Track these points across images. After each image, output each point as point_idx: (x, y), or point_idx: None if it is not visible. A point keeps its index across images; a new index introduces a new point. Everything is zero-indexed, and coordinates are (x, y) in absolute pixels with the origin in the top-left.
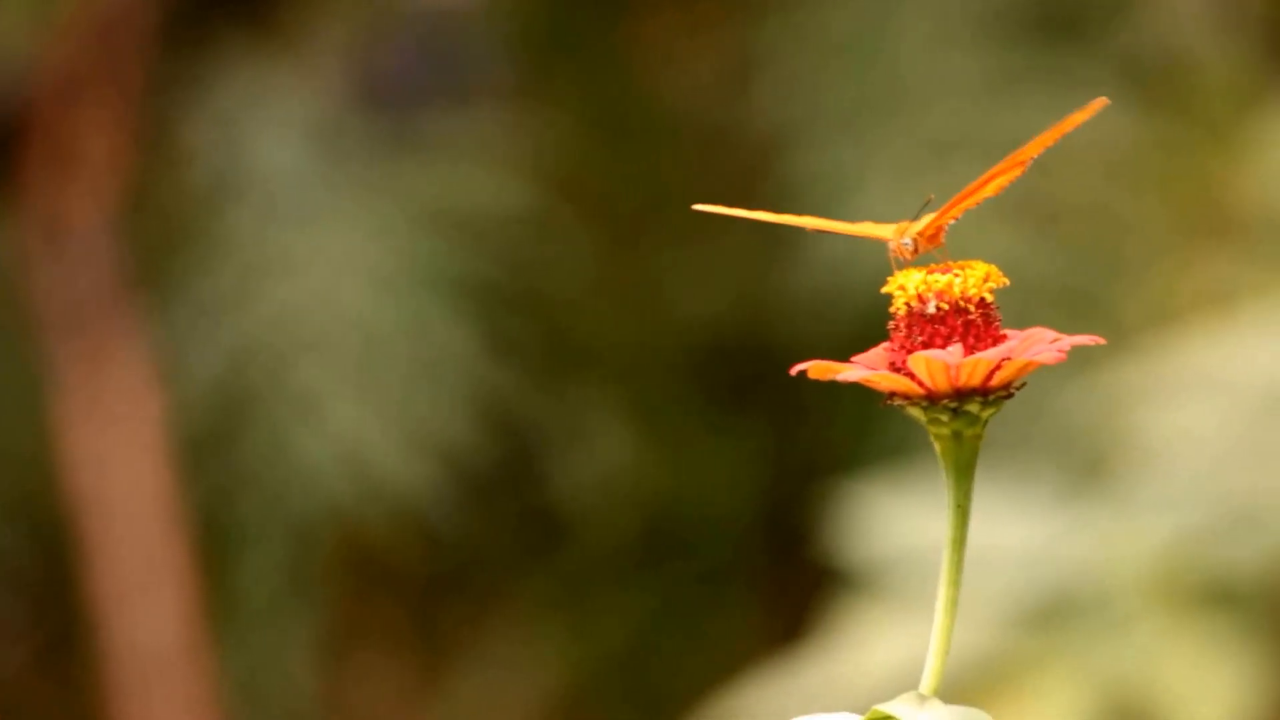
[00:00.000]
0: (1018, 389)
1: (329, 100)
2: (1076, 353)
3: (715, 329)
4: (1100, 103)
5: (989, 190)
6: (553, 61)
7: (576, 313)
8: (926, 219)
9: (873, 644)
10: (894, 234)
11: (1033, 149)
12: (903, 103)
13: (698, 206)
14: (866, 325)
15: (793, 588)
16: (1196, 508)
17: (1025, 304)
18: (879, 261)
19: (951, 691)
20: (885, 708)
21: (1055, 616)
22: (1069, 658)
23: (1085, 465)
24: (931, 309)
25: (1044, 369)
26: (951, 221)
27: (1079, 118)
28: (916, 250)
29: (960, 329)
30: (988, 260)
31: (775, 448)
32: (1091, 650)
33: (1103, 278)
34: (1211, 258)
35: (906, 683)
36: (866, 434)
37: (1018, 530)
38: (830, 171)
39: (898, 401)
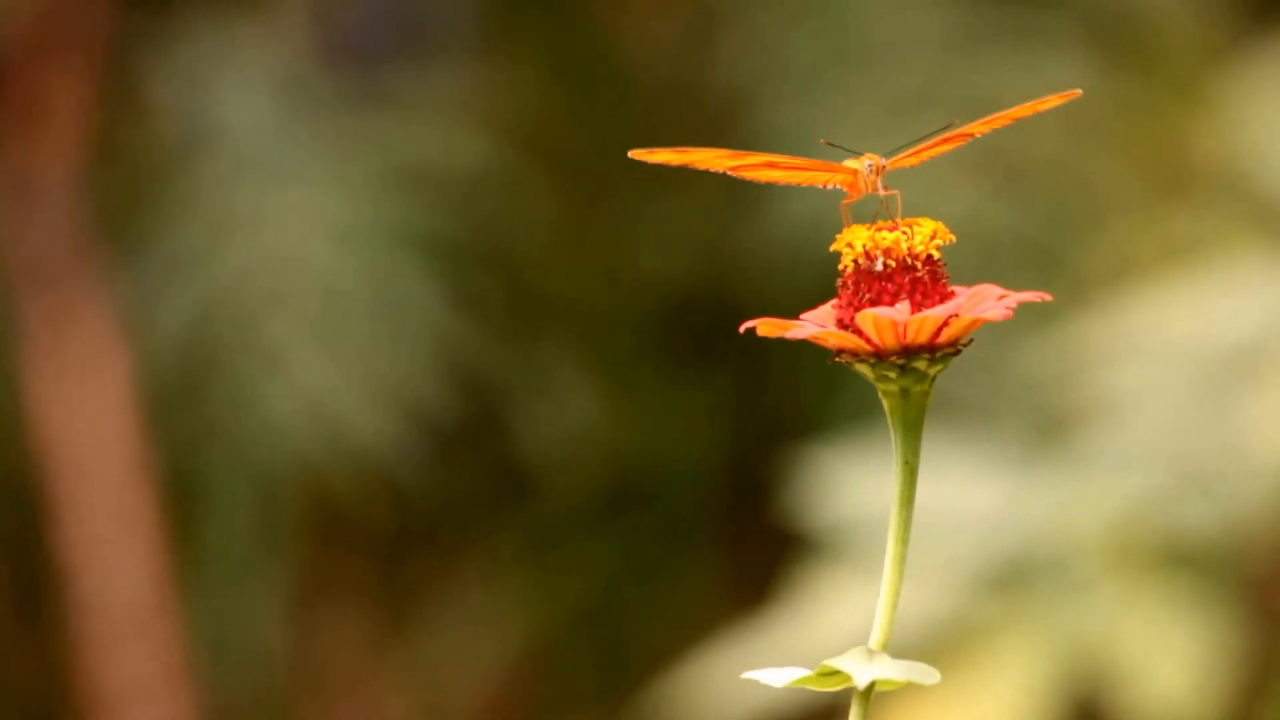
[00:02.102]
0: (965, 346)
1: (295, 56)
2: (1038, 310)
3: (680, 285)
4: (1074, 93)
5: (940, 149)
6: (518, 18)
7: (541, 268)
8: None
9: (833, 605)
10: (865, 164)
11: (999, 121)
12: (867, 59)
13: (634, 152)
14: (831, 281)
15: (756, 541)
16: (1155, 469)
17: (988, 260)
18: (840, 217)
19: (912, 653)
20: (834, 663)
21: (1015, 579)
22: (1029, 620)
23: (1045, 424)
24: (879, 266)
25: (1006, 326)
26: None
27: (1051, 101)
28: (877, 177)
29: (908, 286)
30: (950, 217)
31: (739, 403)
32: (1051, 612)
33: (1065, 233)
34: (1174, 213)
35: (865, 642)
36: (830, 390)
37: (978, 493)
38: (795, 127)
39: (846, 358)
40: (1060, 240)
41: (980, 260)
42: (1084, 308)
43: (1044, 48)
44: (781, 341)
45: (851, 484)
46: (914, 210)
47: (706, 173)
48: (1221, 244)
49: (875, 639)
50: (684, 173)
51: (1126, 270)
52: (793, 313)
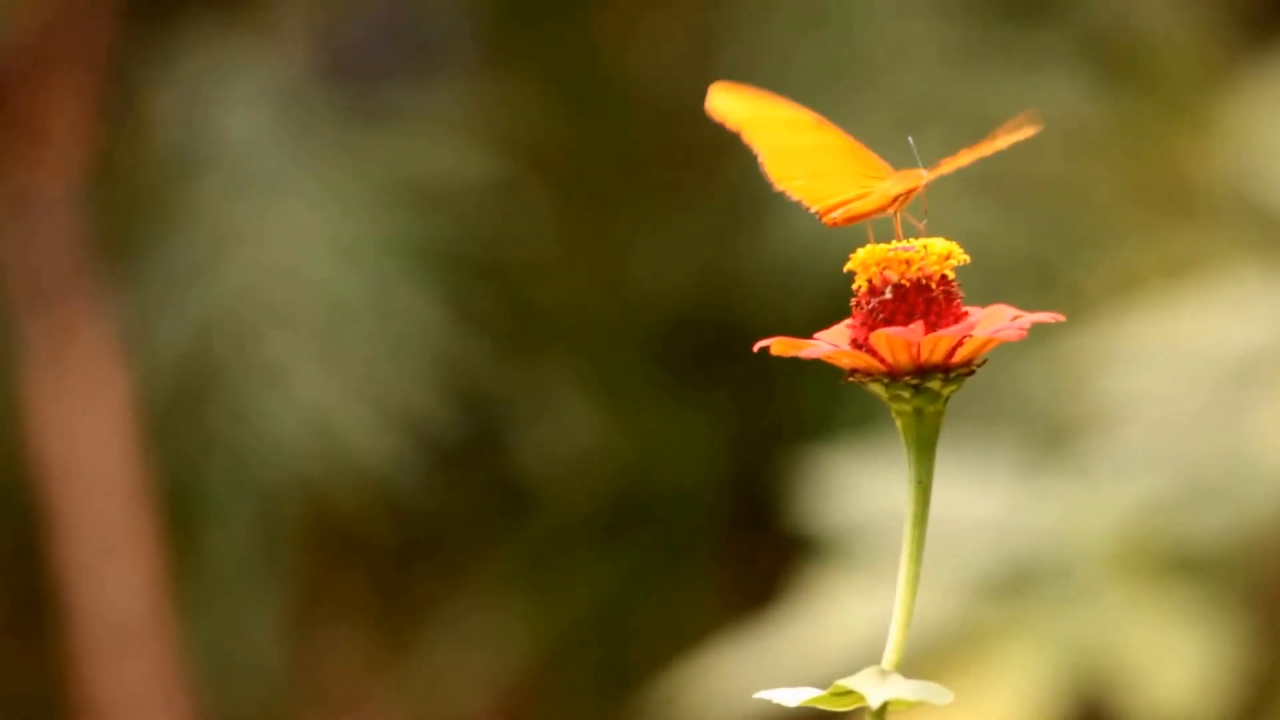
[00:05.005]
0: (979, 366)
1: (295, 72)
2: (1039, 325)
3: (682, 302)
4: (1029, 129)
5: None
6: (518, 32)
7: (543, 284)
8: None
9: (839, 611)
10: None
11: (954, 164)
12: (868, 74)
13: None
14: (833, 301)
15: (758, 558)
16: (1159, 477)
17: (989, 279)
18: (846, 237)
19: (918, 661)
20: (847, 683)
21: (1020, 586)
22: (1034, 627)
23: (1048, 435)
24: (893, 286)
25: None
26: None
27: (1003, 141)
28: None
29: (922, 306)
30: (952, 236)
31: (740, 421)
32: (1057, 619)
33: (1067, 252)
34: (1174, 231)
35: (872, 649)
36: (830, 409)
37: (982, 501)
38: None
39: (859, 378)
40: (1061, 259)
41: (981, 279)
42: (1085, 324)
43: (1044, 65)
44: (783, 360)
45: (856, 488)
46: (916, 230)
47: (708, 191)
48: (1222, 262)
49: (888, 658)
50: (686, 189)
51: (1127, 288)
52: (795, 330)
